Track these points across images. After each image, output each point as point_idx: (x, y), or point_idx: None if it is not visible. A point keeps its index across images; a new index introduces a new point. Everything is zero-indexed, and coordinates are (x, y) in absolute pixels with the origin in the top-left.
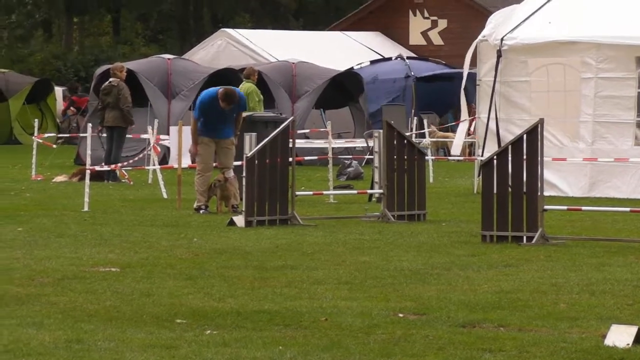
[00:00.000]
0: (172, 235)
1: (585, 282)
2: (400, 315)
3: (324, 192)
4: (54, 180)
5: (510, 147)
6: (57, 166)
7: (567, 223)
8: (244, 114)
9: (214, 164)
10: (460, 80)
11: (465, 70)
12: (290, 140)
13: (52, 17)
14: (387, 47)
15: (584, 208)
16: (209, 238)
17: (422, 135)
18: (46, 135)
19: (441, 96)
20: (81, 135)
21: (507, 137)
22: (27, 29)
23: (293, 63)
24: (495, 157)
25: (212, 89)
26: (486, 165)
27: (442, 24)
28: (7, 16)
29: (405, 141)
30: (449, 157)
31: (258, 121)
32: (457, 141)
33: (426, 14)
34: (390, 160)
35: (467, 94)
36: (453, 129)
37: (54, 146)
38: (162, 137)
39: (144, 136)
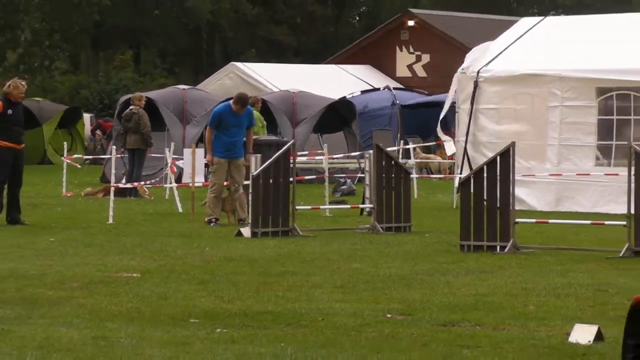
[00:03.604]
0: (187, 245)
1: (551, 287)
2: (389, 315)
3: (321, 207)
4: (84, 192)
5: (485, 167)
6: (85, 184)
7: (536, 234)
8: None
9: (225, 183)
10: (440, 107)
11: (449, 99)
12: (292, 160)
13: (79, 52)
14: (377, 79)
15: (550, 221)
16: (219, 247)
17: (407, 157)
18: (75, 156)
19: (424, 122)
20: (106, 156)
21: (479, 158)
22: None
23: (294, 92)
24: (472, 176)
25: (226, 102)
26: (464, 183)
27: (426, 58)
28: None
29: (393, 162)
30: (431, 176)
31: (262, 144)
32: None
33: (411, 50)
34: (380, 179)
35: (447, 121)
36: (434, 150)
37: (79, 166)
38: (177, 161)
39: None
